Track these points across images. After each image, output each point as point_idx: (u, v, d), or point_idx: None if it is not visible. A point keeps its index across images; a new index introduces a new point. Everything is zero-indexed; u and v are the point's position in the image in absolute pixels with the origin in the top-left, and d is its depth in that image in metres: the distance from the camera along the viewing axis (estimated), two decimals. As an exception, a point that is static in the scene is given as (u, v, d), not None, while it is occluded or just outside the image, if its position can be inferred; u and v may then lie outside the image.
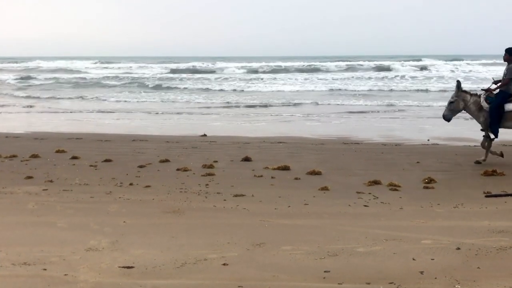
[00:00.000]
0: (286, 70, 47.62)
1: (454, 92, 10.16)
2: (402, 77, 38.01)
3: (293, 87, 33.03)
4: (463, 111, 10.18)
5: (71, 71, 49.67)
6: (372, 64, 50.42)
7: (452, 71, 42.38)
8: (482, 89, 10.19)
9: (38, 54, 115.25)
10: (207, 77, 40.77)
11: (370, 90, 29.87)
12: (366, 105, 22.99)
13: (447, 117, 10.27)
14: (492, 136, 9.82)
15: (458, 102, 9.99)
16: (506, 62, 9.82)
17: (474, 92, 10.18)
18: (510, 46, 9.79)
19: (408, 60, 55.01)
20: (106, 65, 59.10)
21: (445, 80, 35.20)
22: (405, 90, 29.77)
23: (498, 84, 9.85)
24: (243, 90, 31.11)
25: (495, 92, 9.84)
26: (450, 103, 10.15)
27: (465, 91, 10.09)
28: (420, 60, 55.88)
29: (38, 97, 28.14)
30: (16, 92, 31.38)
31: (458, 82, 10.25)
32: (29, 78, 41.99)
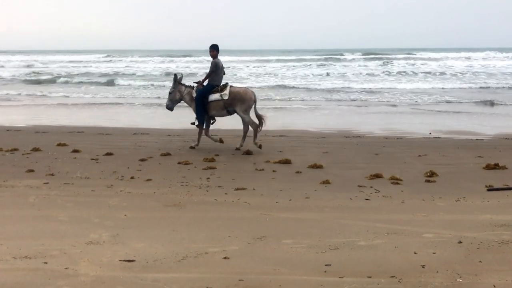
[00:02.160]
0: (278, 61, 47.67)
1: (172, 84, 11.29)
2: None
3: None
4: (182, 101, 11.31)
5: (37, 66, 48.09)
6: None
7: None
8: (194, 82, 11.21)
9: (48, 48, 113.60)
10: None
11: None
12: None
13: (168, 107, 11.37)
14: (197, 122, 10.93)
15: (175, 93, 11.16)
16: (212, 58, 10.88)
17: (189, 85, 11.20)
18: (215, 43, 10.97)
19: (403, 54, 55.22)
20: (110, 58, 58.76)
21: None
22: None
23: (204, 78, 11.02)
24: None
25: (204, 84, 10.96)
26: (169, 93, 11.31)
27: (181, 84, 11.21)
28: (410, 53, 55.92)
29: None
30: None
31: (175, 75, 11.37)
32: None
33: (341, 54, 56.41)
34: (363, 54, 55.39)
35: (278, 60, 49.57)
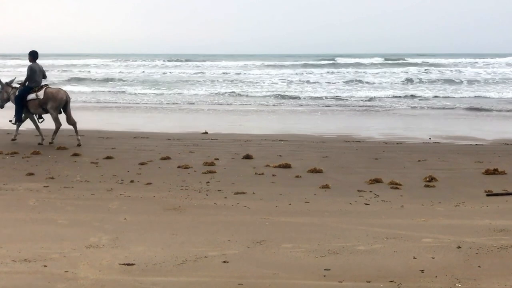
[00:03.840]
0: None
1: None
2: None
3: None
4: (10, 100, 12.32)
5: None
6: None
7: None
8: (17, 83, 12.31)
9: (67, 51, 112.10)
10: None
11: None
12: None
13: None
14: (14, 120, 12.05)
15: (3, 93, 12.31)
16: (30, 62, 12.11)
17: (14, 86, 12.32)
18: (34, 50, 12.17)
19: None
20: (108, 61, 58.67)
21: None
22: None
23: (24, 81, 12.14)
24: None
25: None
26: None
27: (9, 85, 12.32)
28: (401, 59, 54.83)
29: None
30: None
31: None
32: None
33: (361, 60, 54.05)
34: (385, 59, 54.01)
35: (285, 66, 48.76)
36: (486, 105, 22.00)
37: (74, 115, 12.17)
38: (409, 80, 34.91)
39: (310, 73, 40.48)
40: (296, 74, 40.23)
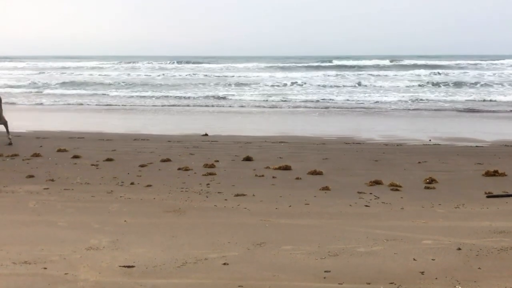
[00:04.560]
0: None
1: None
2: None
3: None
4: None
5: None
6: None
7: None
8: None
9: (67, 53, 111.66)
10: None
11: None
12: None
13: None
14: None
15: None
16: None
17: None
18: None
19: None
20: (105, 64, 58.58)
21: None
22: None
23: None
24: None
25: None
26: None
27: None
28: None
29: None
30: None
31: None
32: None
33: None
34: (390, 61, 53.65)
35: (286, 68, 48.51)
36: (487, 107, 22.00)
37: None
38: (412, 82, 34.75)
39: (311, 75, 40.39)
40: (297, 75, 40.15)
